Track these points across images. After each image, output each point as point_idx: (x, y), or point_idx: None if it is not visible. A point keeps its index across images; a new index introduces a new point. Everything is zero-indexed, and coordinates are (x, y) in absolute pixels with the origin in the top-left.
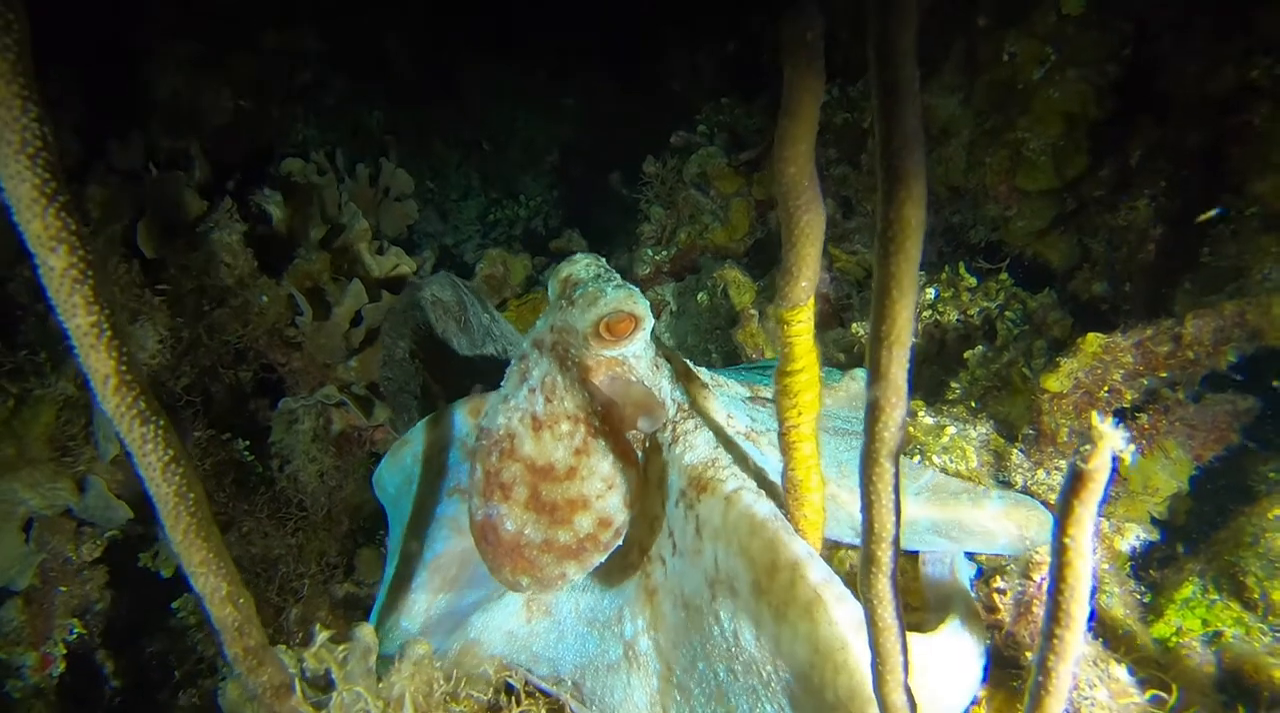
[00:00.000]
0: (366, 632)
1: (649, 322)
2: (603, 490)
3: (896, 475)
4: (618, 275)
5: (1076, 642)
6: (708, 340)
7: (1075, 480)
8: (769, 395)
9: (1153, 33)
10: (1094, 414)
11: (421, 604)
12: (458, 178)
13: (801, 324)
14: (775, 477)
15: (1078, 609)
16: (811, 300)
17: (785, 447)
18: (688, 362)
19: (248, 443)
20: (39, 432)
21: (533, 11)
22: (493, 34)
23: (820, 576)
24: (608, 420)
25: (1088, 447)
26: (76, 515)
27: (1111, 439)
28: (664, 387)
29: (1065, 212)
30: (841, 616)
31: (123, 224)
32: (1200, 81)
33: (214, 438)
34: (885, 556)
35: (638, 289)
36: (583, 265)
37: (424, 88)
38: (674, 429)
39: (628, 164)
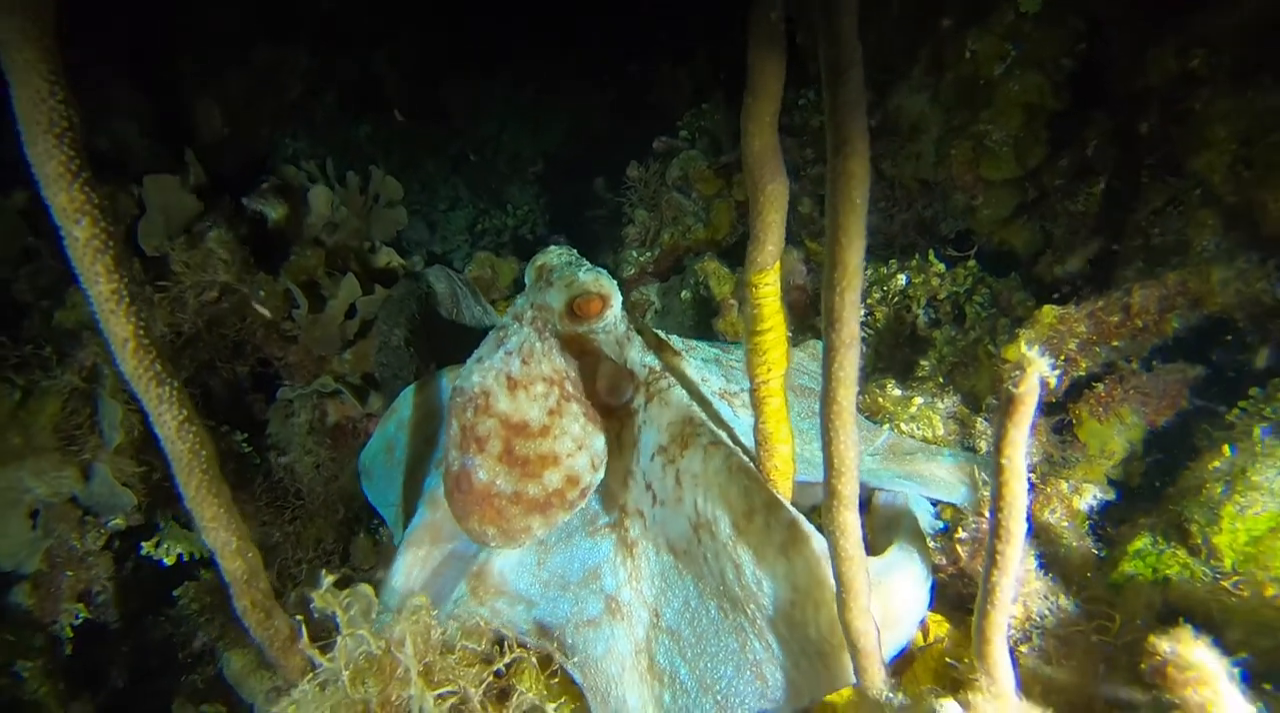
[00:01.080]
0: (367, 589)
1: (617, 300)
2: (573, 450)
3: (853, 412)
4: (588, 262)
5: (1016, 555)
6: (691, 336)
7: (1008, 404)
8: (738, 358)
9: (1105, 30)
10: (1022, 342)
11: (400, 577)
12: (446, 189)
13: (769, 287)
14: (746, 436)
15: (1016, 525)
16: (778, 264)
17: (756, 401)
18: (659, 332)
19: (246, 435)
20: (45, 421)
21: (517, 27)
22: (478, 49)
23: (789, 516)
24: (579, 387)
25: (1017, 372)
26: (82, 503)
27: (1038, 365)
28: (634, 356)
29: (1027, 200)
30: (815, 553)
31: (123, 224)
32: (1144, 73)
33: (213, 430)
34: (846, 489)
35: (606, 272)
36: (555, 254)
37: (411, 102)
38: (647, 390)
39: (612, 170)
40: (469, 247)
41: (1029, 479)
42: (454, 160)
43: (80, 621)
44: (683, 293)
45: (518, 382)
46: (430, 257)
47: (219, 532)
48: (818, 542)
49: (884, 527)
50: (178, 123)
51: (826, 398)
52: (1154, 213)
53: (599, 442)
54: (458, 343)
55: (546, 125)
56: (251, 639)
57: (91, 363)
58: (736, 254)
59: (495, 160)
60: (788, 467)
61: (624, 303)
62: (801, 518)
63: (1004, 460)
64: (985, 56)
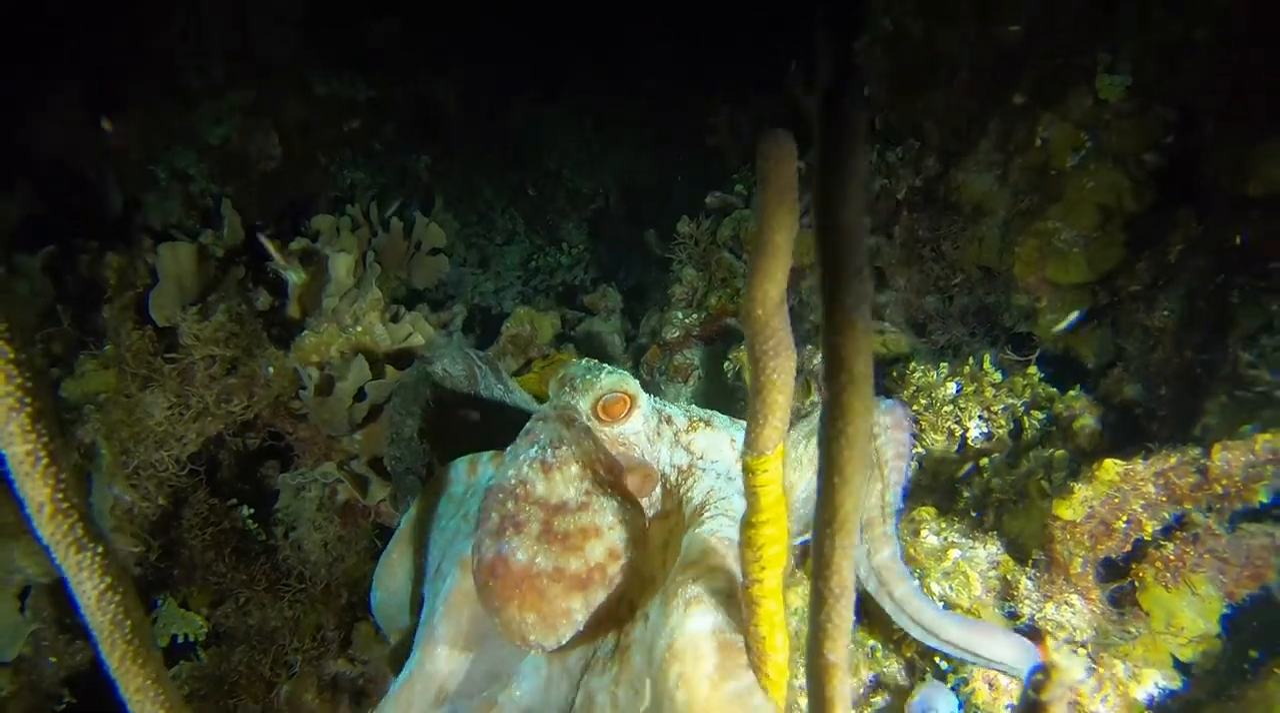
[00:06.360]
0: None
1: (644, 400)
2: (614, 523)
3: (848, 672)
4: (609, 366)
5: None
6: (733, 410)
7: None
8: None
9: (1198, 121)
10: (1049, 641)
11: None
12: (503, 222)
13: (768, 474)
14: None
15: None
16: (780, 447)
17: (747, 601)
18: (694, 415)
19: (252, 510)
20: None
21: (579, 65)
22: (540, 85)
23: None
24: (612, 472)
25: (1040, 676)
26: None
27: (1068, 673)
28: (663, 456)
29: (1099, 304)
30: None
31: (137, 292)
32: (1244, 179)
33: (216, 507)
34: None
35: (628, 373)
36: (575, 364)
37: (472, 134)
38: (678, 493)
39: (667, 216)
40: (521, 284)
41: (1078, 658)
42: (513, 192)
43: (63, 706)
44: (725, 364)
45: (552, 466)
46: (479, 297)
47: (144, 704)
48: None
49: None
50: (236, 152)
51: (812, 650)
52: (1246, 338)
53: (639, 518)
54: (475, 429)
55: (607, 164)
56: None
57: (90, 440)
58: None
59: (555, 196)
60: (781, 677)
61: (651, 404)
62: None
63: None
64: (1057, 146)
